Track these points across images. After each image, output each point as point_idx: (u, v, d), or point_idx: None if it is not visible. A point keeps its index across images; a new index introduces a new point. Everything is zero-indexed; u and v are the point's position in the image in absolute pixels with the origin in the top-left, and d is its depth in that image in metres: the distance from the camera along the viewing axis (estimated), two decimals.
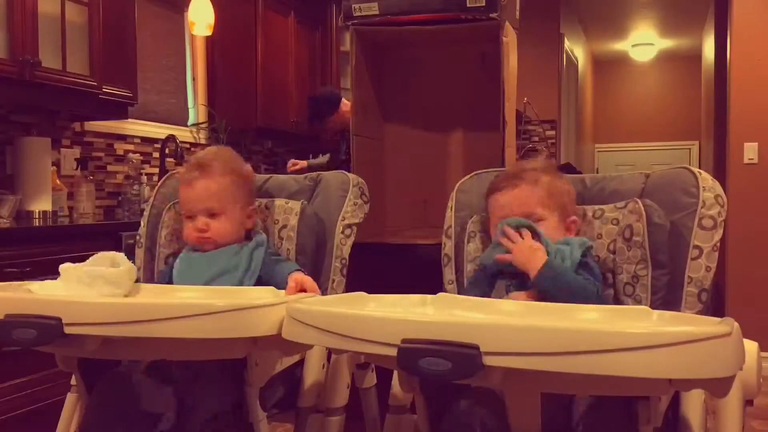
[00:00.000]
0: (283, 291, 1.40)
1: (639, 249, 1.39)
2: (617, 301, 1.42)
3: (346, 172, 1.77)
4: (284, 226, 1.66)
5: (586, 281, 1.36)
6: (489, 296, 1.43)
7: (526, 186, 1.48)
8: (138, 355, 1.29)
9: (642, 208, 1.41)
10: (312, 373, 1.52)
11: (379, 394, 1.68)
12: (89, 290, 1.30)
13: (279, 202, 1.71)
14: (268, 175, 1.80)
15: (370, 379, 1.72)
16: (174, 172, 1.82)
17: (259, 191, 1.75)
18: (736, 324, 0.92)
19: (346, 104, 4.11)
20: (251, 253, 1.56)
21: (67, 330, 1.12)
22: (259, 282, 1.52)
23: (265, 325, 1.13)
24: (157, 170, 4.13)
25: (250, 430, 1.35)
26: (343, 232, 1.64)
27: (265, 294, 1.36)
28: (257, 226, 1.67)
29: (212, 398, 1.37)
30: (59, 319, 1.12)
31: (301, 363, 1.53)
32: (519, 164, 1.60)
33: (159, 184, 1.82)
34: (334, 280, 1.62)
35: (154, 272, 1.70)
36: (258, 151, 5.17)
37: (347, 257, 1.63)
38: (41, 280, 1.46)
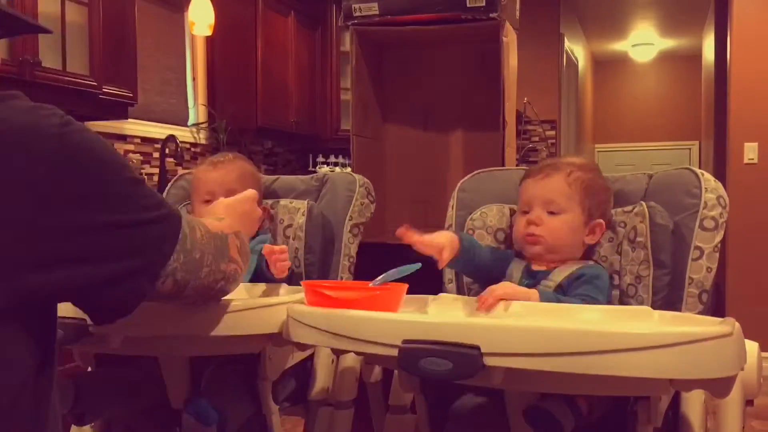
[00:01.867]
0: (292, 288, 1.43)
1: (642, 250, 1.39)
2: (622, 302, 1.42)
3: (352, 173, 1.80)
4: (290, 225, 1.69)
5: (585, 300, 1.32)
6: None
7: (557, 176, 1.43)
8: (156, 351, 1.32)
9: (646, 210, 1.40)
10: (322, 368, 1.56)
11: (385, 389, 1.70)
12: None
13: (283, 201, 1.73)
14: (275, 177, 1.82)
15: (378, 373, 1.74)
16: (185, 172, 1.84)
17: (267, 191, 1.77)
18: (737, 324, 0.92)
19: None
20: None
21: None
22: (255, 280, 1.54)
23: (280, 322, 1.16)
24: (157, 170, 4.13)
25: (264, 422, 1.38)
26: (350, 231, 1.68)
27: (280, 291, 1.40)
28: (264, 225, 1.68)
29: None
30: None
31: (311, 357, 1.56)
32: (559, 157, 1.56)
33: (169, 185, 1.83)
34: (342, 278, 1.67)
35: None
36: (258, 151, 5.16)
37: (355, 255, 1.69)
38: None
